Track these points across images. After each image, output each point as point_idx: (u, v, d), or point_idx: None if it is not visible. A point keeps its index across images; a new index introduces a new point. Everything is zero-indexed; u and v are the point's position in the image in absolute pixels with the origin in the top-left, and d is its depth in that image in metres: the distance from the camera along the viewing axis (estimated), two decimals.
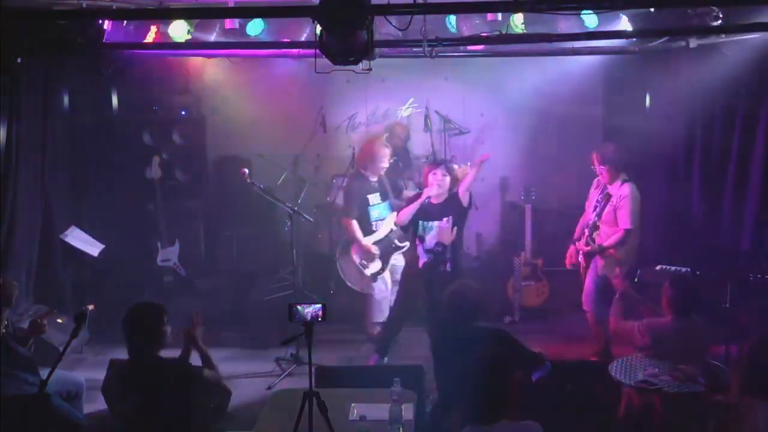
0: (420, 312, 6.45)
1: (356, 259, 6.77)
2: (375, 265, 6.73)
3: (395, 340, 6.57)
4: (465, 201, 6.16)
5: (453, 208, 6.14)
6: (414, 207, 6.16)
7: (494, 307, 7.35)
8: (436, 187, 6.11)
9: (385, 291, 6.83)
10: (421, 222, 6.21)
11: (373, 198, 6.71)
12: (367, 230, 6.70)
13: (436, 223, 6.15)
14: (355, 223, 6.64)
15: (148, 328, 4.04)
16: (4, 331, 4.75)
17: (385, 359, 6.40)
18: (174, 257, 7.68)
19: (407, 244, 6.68)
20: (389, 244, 6.75)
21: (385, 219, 6.73)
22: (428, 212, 6.18)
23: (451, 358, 4.38)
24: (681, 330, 4.83)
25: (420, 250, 6.25)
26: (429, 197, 6.14)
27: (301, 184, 7.78)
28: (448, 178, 6.15)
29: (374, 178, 6.75)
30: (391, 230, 6.73)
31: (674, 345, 4.77)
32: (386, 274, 6.81)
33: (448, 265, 6.13)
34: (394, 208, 6.72)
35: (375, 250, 6.68)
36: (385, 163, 6.73)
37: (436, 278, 6.04)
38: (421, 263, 6.25)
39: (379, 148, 6.71)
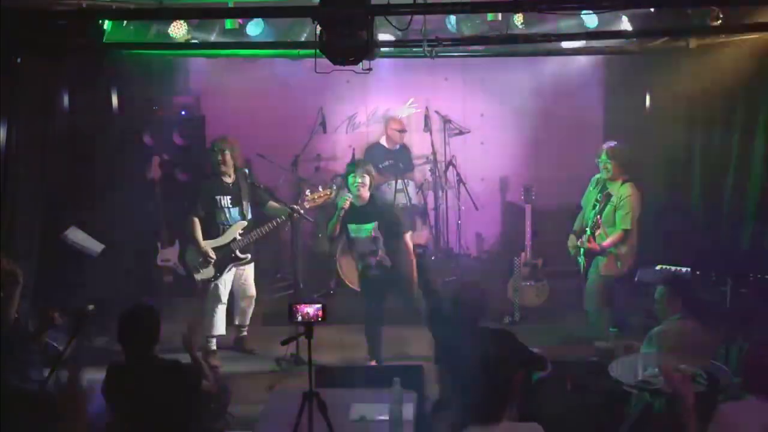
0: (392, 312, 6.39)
1: (188, 261, 6.60)
2: (207, 272, 6.50)
3: (378, 342, 6.31)
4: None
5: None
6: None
7: (494, 307, 7.35)
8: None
9: (218, 301, 6.56)
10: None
11: (223, 200, 6.54)
12: (214, 233, 6.53)
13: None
14: (197, 222, 6.48)
15: (144, 330, 4.03)
16: (17, 315, 4.74)
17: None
18: (174, 257, 7.67)
19: (248, 256, 6.55)
20: (230, 252, 6.55)
21: (231, 225, 6.53)
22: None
23: (455, 358, 4.37)
24: (692, 329, 4.87)
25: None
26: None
27: (301, 184, 7.77)
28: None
29: (229, 180, 6.59)
30: (234, 239, 6.52)
31: (684, 344, 4.79)
32: (224, 284, 6.55)
33: (372, 260, 6.11)
34: (246, 216, 6.55)
35: (212, 255, 6.47)
36: (230, 168, 6.53)
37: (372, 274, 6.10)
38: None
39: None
